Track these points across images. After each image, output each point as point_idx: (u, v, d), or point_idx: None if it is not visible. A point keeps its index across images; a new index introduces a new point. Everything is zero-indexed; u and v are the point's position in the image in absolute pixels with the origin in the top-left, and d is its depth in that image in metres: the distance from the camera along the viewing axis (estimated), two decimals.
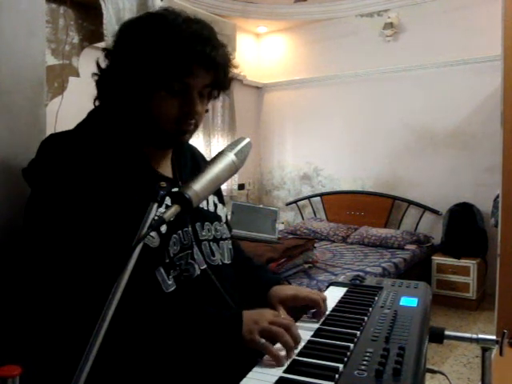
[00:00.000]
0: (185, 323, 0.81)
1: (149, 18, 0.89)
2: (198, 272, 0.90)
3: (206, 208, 1.00)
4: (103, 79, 0.91)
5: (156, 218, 0.65)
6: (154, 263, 0.84)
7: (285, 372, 0.70)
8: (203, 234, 0.96)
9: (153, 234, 0.83)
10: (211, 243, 0.97)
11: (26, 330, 0.92)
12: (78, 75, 1.58)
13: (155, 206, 0.68)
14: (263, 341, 0.78)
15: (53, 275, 0.79)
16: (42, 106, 1.05)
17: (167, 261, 0.86)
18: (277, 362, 0.74)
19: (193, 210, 0.72)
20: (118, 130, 0.91)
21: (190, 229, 0.92)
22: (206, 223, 0.97)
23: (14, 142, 0.97)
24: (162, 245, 0.85)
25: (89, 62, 1.80)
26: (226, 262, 1.00)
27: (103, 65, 0.91)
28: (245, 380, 0.68)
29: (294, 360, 0.74)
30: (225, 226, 1.04)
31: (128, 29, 0.89)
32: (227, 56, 0.92)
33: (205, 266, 0.92)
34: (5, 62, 0.94)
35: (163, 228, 0.86)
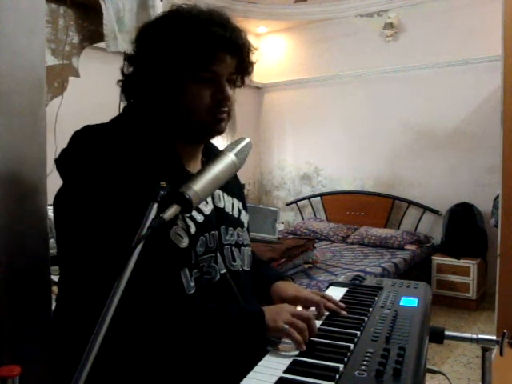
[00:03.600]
0: (208, 318, 0.81)
1: (165, 15, 0.90)
2: (218, 276, 0.89)
3: (230, 213, 0.99)
4: (131, 82, 0.91)
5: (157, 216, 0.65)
6: (181, 263, 0.84)
7: (285, 372, 0.70)
8: (227, 238, 0.94)
9: (182, 234, 0.83)
10: (233, 248, 0.95)
11: (26, 330, 0.92)
12: (77, 75, 1.58)
13: (155, 206, 0.68)
14: (287, 326, 0.81)
15: (81, 266, 0.79)
16: (42, 106, 1.04)
17: (193, 262, 0.85)
18: (300, 346, 0.78)
19: (192, 210, 0.72)
20: (150, 126, 0.91)
21: (216, 232, 0.92)
22: (230, 228, 0.96)
23: (14, 142, 0.97)
24: (190, 245, 0.84)
25: (89, 62, 1.82)
26: (246, 268, 0.99)
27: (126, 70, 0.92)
28: (245, 380, 0.68)
29: (294, 360, 0.74)
30: (246, 232, 1.03)
31: (147, 30, 0.90)
32: (247, 39, 0.94)
33: (224, 271, 0.91)
34: (5, 62, 0.94)
35: (192, 229, 0.86)
